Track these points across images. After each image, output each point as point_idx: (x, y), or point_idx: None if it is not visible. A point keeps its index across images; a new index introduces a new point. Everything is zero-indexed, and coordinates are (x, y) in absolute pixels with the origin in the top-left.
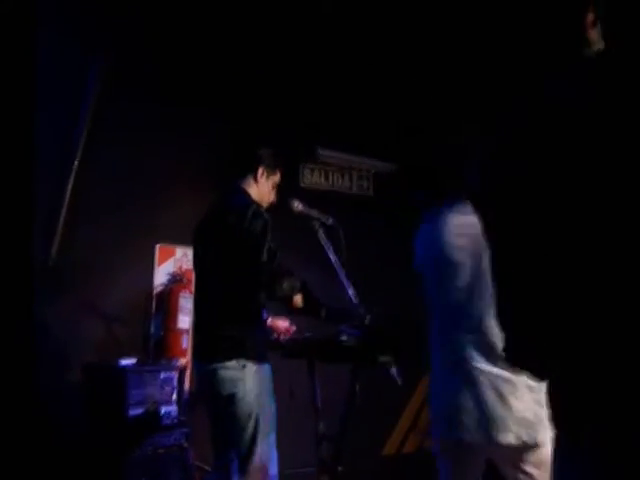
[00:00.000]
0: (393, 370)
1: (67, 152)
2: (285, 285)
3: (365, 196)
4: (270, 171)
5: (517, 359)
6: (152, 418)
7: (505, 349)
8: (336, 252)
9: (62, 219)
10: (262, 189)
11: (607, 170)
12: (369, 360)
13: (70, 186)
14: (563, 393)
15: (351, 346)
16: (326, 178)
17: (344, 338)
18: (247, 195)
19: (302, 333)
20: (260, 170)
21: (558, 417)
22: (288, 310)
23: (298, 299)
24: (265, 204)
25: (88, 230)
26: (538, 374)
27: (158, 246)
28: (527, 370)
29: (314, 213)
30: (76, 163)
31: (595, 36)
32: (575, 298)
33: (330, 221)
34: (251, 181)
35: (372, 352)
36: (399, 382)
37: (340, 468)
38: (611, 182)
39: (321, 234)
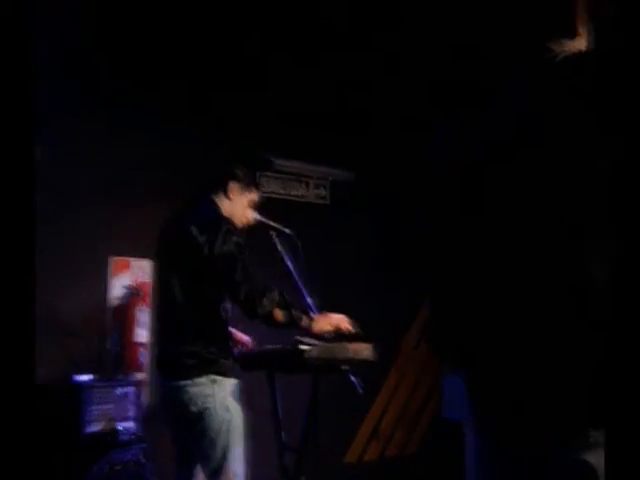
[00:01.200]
0: (353, 378)
1: None
2: (265, 302)
3: (322, 205)
4: (244, 187)
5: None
6: (109, 435)
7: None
8: (293, 261)
9: None
10: (235, 206)
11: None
12: (330, 369)
13: None
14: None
15: (311, 356)
16: (283, 187)
17: (304, 348)
18: (217, 208)
19: (261, 345)
20: (231, 185)
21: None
22: (269, 326)
23: (278, 313)
24: (239, 222)
25: (39, 243)
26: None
27: (112, 259)
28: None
29: (271, 222)
30: None
31: (582, 31)
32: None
33: (287, 230)
34: (222, 196)
35: (332, 361)
36: (360, 391)
37: (303, 478)
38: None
39: (278, 243)
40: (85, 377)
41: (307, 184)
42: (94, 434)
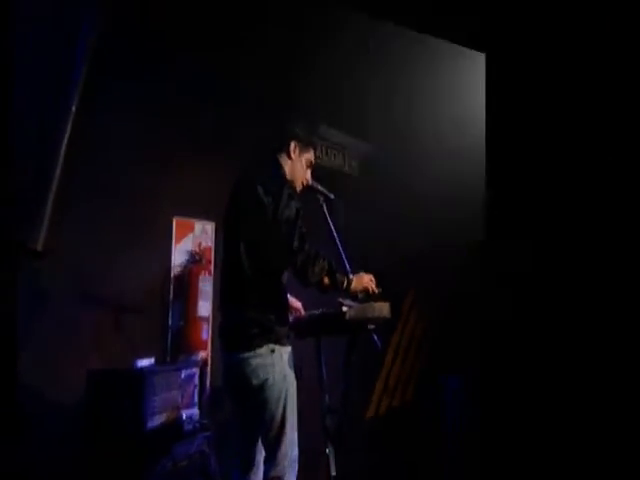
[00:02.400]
0: (375, 337)
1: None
2: (317, 269)
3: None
4: (303, 147)
5: None
6: (173, 427)
7: None
8: (336, 226)
9: (52, 195)
10: (296, 166)
11: None
12: (361, 329)
13: (61, 159)
14: None
15: (351, 317)
16: (326, 154)
17: (345, 309)
18: (281, 169)
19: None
20: (292, 145)
21: None
22: (319, 291)
23: (326, 280)
24: (299, 184)
25: (86, 207)
26: None
27: (175, 219)
28: None
29: (319, 186)
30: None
31: None
32: None
33: (332, 195)
34: (284, 156)
35: (365, 320)
36: (379, 347)
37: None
38: None
39: (325, 208)
40: (146, 361)
41: (343, 155)
42: (157, 428)
